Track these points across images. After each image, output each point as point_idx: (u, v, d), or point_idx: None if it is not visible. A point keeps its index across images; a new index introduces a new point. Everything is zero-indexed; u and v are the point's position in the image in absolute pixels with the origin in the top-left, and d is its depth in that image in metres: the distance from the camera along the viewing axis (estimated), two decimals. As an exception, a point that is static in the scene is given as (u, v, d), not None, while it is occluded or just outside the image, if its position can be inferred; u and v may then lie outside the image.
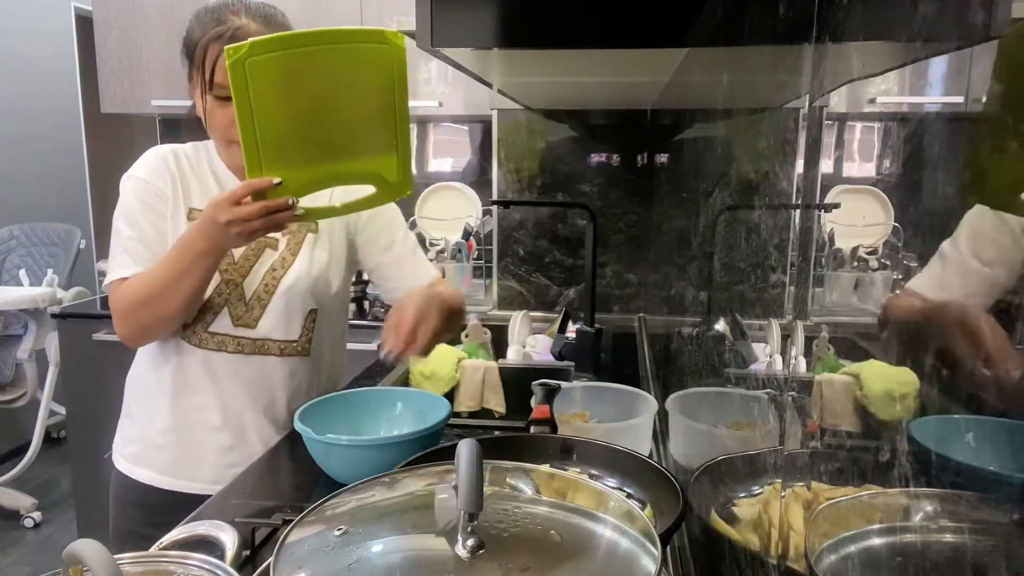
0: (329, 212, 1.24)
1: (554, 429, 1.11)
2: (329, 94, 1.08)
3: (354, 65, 1.09)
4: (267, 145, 1.05)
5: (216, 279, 1.28)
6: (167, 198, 1.29)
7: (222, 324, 1.31)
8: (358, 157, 1.13)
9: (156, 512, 1.21)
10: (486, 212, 2.72)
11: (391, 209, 1.44)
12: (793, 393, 0.56)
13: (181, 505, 1.15)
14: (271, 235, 1.29)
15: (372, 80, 1.10)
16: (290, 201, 1.09)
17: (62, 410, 3.44)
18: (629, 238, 2.54)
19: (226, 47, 1.00)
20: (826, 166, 0.55)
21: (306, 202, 1.13)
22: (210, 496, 1.17)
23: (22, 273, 3.59)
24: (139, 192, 1.29)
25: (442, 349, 1.82)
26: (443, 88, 2.65)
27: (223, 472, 1.30)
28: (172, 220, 1.29)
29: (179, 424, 1.34)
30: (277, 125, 1.05)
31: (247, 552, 0.92)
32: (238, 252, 1.31)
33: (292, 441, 1.40)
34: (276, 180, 1.07)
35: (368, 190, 1.18)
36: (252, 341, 1.33)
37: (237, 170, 1.34)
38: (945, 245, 0.37)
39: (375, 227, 1.44)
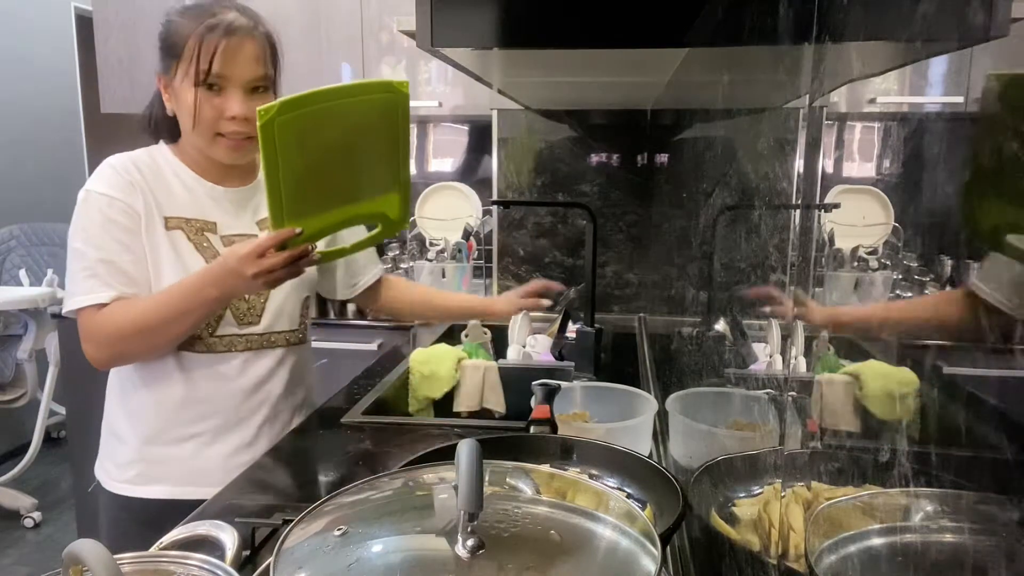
0: (341, 253, 1.33)
1: (554, 429, 1.10)
2: (342, 144, 1.15)
3: (365, 115, 1.15)
4: (289, 197, 1.11)
5: None
6: (138, 214, 1.24)
7: (227, 326, 1.32)
8: (366, 199, 1.21)
9: (164, 527, 1.16)
10: (486, 212, 2.72)
11: None
12: (793, 393, 0.56)
13: (191, 512, 1.15)
14: (250, 232, 1.34)
15: (380, 126, 1.17)
16: (310, 248, 1.15)
17: (62, 410, 3.44)
18: (629, 238, 2.54)
19: (258, 109, 1.03)
20: (826, 166, 0.55)
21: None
22: None
23: (22, 273, 3.59)
24: (103, 209, 1.22)
25: (442, 349, 1.82)
26: (443, 88, 2.65)
27: (236, 472, 1.30)
28: (148, 234, 1.25)
29: (189, 434, 1.33)
30: (297, 177, 1.11)
31: (247, 552, 0.92)
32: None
33: (292, 441, 1.40)
34: (298, 230, 1.12)
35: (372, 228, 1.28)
36: (259, 336, 1.35)
37: (203, 169, 1.32)
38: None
39: None
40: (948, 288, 0.40)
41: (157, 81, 1.27)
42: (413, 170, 3.04)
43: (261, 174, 1.31)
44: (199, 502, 1.18)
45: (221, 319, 1.31)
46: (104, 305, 1.22)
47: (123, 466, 1.34)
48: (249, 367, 1.35)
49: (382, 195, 1.22)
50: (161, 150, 1.33)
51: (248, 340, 1.34)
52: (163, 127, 1.32)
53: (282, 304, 1.37)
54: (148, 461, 1.33)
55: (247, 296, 1.33)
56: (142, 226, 1.25)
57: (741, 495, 0.73)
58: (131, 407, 1.34)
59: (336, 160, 1.15)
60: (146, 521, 1.30)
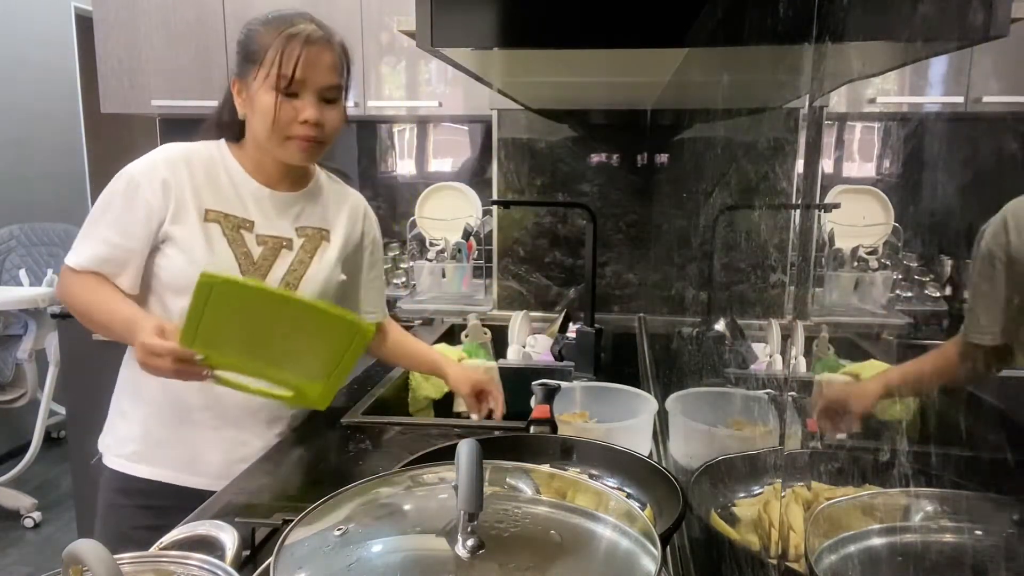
0: (239, 387, 1.23)
1: (554, 429, 1.11)
2: (285, 331, 1.14)
3: (319, 325, 1.14)
4: (207, 328, 1.10)
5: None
6: (157, 210, 1.29)
7: None
8: (288, 373, 1.20)
9: (158, 513, 1.19)
10: (486, 212, 2.72)
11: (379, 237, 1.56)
12: (793, 393, 0.56)
13: (185, 501, 1.17)
14: (285, 235, 1.36)
15: (330, 340, 1.15)
16: (203, 371, 1.14)
17: (62, 410, 3.44)
18: (629, 238, 2.54)
19: (202, 272, 1.06)
20: (826, 166, 0.55)
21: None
22: (215, 492, 1.19)
23: (22, 273, 3.58)
24: (127, 193, 1.29)
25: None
26: (443, 88, 2.64)
27: (232, 467, 1.31)
28: (177, 225, 1.30)
29: (187, 420, 1.35)
30: (222, 323, 1.11)
31: (247, 552, 0.92)
32: (257, 252, 1.34)
33: (293, 441, 1.40)
34: (199, 356, 1.12)
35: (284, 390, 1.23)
36: None
37: (257, 170, 1.36)
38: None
39: (374, 246, 1.54)
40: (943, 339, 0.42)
41: (232, 84, 1.32)
42: (413, 170, 3.04)
43: (312, 183, 1.41)
44: (194, 491, 1.21)
45: None
46: (77, 272, 1.30)
47: (123, 440, 1.37)
48: None
49: (309, 380, 1.20)
50: (220, 146, 1.38)
51: None
52: (231, 128, 1.37)
53: None
54: (148, 441, 1.35)
55: None
56: (166, 219, 1.30)
57: (741, 495, 0.74)
58: (140, 384, 1.36)
59: (273, 337, 1.15)
60: (142, 506, 1.33)
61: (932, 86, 0.41)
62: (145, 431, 1.36)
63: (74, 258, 1.30)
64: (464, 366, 1.62)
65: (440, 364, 1.58)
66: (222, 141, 1.38)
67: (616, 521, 0.62)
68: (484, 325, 2.14)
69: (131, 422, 1.37)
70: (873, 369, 0.48)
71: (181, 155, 1.33)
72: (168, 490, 1.33)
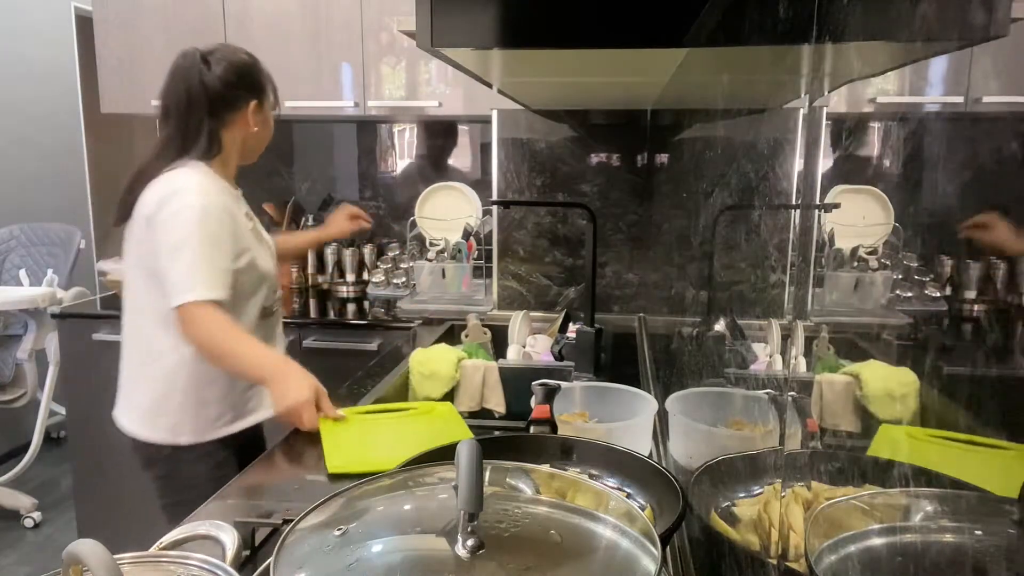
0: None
1: (554, 429, 1.11)
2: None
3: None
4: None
5: (272, 268, 1.67)
6: (245, 230, 1.58)
7: (276, 293, 1.70)
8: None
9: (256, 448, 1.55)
10: (486, 212, 2.72)
11: None
12: (793, 393, 0.56)
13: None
14: (262, 231, 1.71)
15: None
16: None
17: (62, 410, 3.44)
18: (629, 238, 2.54)
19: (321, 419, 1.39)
20: (826, 166, 0.55)
21: None
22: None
23: (22, 273, 3.58)
24: (224, 222, 1.50)
25: (442, 349, 1.82)
26: (443, 88, 2.64)
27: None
28: (243, 239, 1.58)
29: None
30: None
31: (247, 552, 0.92)
32: (263, 259, 1.65)
33: (292, 441, 1.40)
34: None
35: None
36: (278, 299, 1.74)
37: (229, 178, 1.65)
38: None
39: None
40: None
41: (253, 107, 1.59)
42: (413, 170, 3.05)
43: None
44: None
45: (277, 290, 1.68)
46: (208, 308, 1.45)
47: (216, 417, 1.59)
48: (278, 322, 1.72)
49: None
50: (202, 170, 1.57)
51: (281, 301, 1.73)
52: (215, 144, 1.58)
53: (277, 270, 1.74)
54: (236, 405, 1.61)
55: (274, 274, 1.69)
56: (245, 239, 1.58)
57: (741, 495, 0.74)
58: (207, 368, 1.54)
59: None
60: (239, 447, 1.61)
61: (932, 86, 0.41)
62: (233, 398, 1.60)
63: (209, 292, 1.44)
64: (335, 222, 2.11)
65: (316, 233, 2.13)
66: (199, 165, 1.57)
67: (616, 521, 0.62)
68: (484, 325, 2.14)
69: (220, 394, 1.58)
70: (873, 369, 0.48)
71: (210, 182, 1.54)
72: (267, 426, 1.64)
